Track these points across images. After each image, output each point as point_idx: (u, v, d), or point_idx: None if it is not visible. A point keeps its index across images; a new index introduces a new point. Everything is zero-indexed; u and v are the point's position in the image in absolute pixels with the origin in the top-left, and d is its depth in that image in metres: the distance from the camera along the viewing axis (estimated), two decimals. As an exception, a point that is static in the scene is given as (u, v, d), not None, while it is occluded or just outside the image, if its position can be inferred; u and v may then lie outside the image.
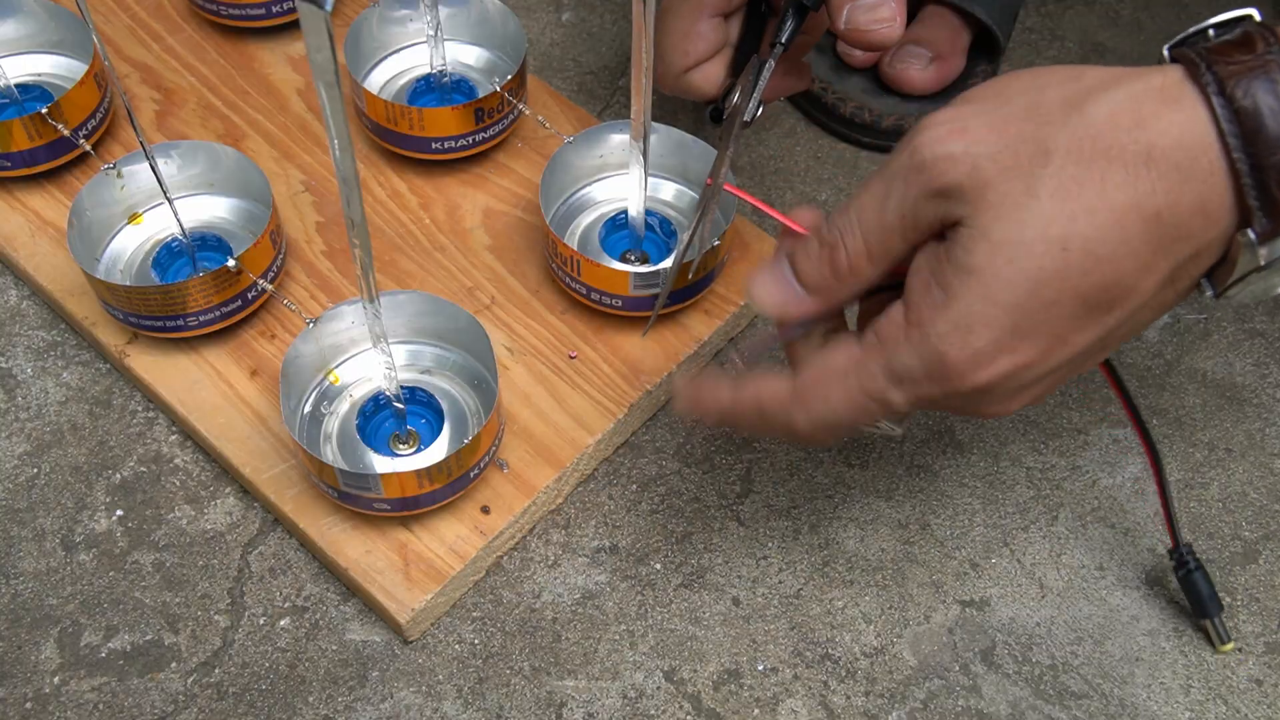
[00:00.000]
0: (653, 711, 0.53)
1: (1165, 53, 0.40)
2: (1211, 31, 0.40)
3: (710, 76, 0.56)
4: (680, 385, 0.49)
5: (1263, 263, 0.39)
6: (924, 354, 0.41)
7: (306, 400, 0.58)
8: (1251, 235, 0.39)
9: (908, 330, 0.42)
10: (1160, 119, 0.38)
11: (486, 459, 0.55)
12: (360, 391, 0.59)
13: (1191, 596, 0.55)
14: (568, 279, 0.61)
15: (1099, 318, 0.40)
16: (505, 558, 0.57)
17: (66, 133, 0.63)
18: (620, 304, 0.60)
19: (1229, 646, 0.55)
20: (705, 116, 0.72)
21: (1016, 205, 0.39)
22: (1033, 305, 0.40)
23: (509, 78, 0.64)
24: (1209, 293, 0.42)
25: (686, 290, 0.60)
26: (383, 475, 0.52)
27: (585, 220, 0.64)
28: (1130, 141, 0.38)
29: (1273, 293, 0.42)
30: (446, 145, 0.65)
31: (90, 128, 0.65)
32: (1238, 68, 0.38)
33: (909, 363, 0.42)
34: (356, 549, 0.55)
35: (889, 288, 0.45)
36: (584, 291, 0.60)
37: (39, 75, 0.68)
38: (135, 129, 0.55)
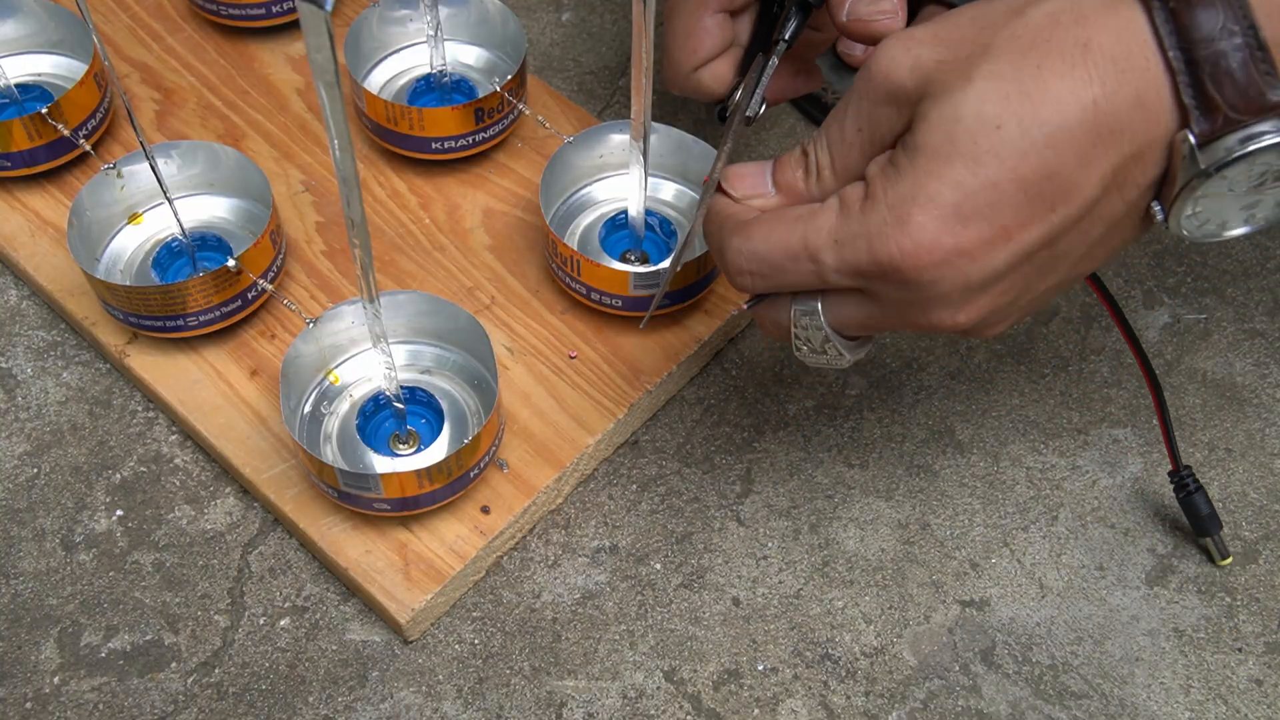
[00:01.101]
0: (653, 711, 0.53)
1: None
2: None
3: (718, 75, 0.56)
4: (734, 170, 0.48)
5: (1202, 166, 0.39)
6: (871, 222, 0.42)
7: (306, 400, 0.58)
8: (1190, 137, 0.39)
9: (863, 201, 0.42)
10: (1099, 18, 0.40)
11: (486, 459, 0.55)
12: (360, 391, 0.59)
13: (1192, 516, 0.57)
14: (568, 279, 0.61)
15: (1043, 214, 0.40)
16: (505, 558, 0.57)
17: (66, 133, 0.63)
18: (620, 304, 0.60)
19: (1227, 561, 0.57)
20: (712, 116, 0.72)
21: (951, 87, 0.40)
22: (972, 184, 0.40)
23: (509, 78, 0.64)
24: (1159, 216, 0.42)
25: (686, 290, 0.60)
26: (383, 475, 0.52)
27: (585, 220, 0.64)
28: (1068, 36, 0.39)
29: (1225, 229, 0.42)
30: (446, 145, 0.65)
31: (90, 128, 0.65)
32: None
33: (855, 229, 0.42)
34: (356, 549, 0.55)
35: None
36: (584, 291, 0.60)
37: (39, 75, 0.68)
38: (135, 129, 0.55)
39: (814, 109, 0.72)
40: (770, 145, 0.72)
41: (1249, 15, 0.38)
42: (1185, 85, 0.39)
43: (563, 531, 0.58)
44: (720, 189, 0.48)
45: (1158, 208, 0.42)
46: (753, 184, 0.48)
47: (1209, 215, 0.42)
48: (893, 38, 0.43)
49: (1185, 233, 0.42)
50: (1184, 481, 0.57)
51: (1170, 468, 0.57)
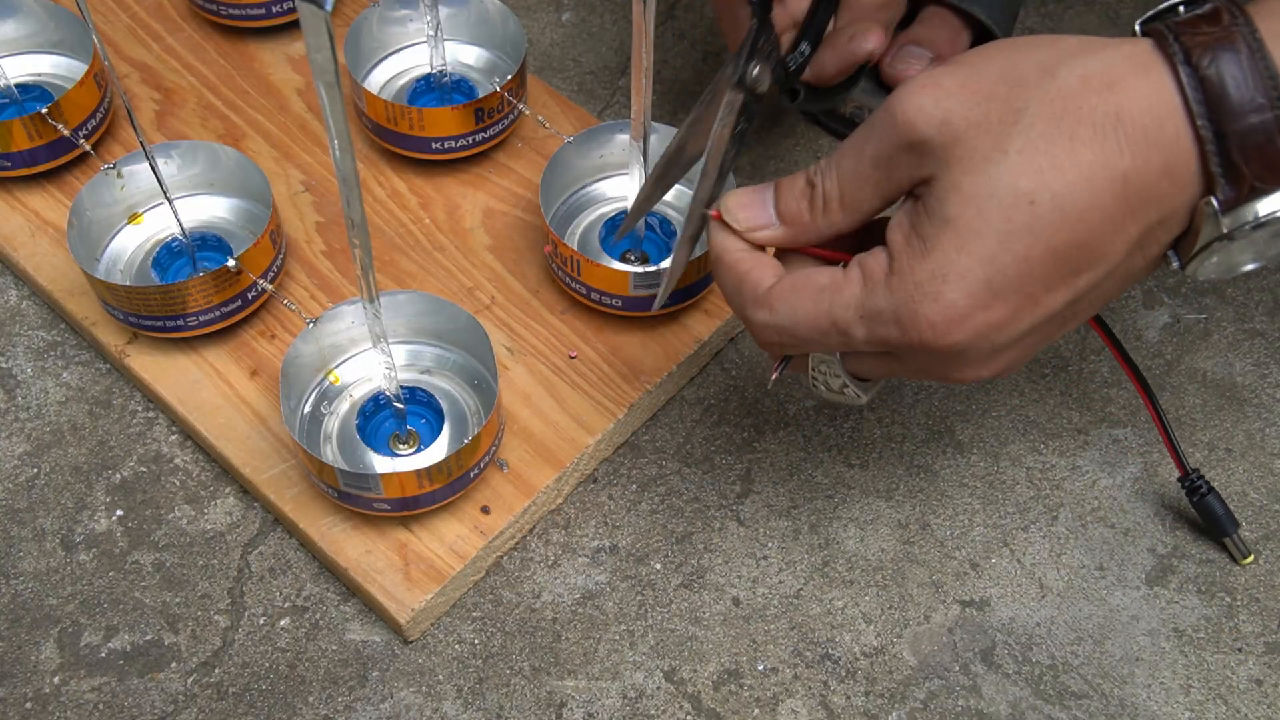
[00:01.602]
0: (653, 711, 0.53)
1: (1137, 28, 0.42)
2: (1181, 8, 0.41)
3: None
4: (735, 199, 0.47)
5: (1225, 230, 0.40)
6: (900, 301, 0.42)
7: (306, 400, 0.58)
8: (1215, 203, 0.40)
9: (889, 276, 0.42)
10: (1130, 85, 0.40)
11: (486, 459, 0.55)
12: (360, 391, 0.59)
13: (1208, 518, 0.57)
14: (568, 279, 0.61)
15: (1070, 279, 0.41)
16: (505, 558, 0.57)
17: (66, 133, 0.63)
18: (620, 304, 0.60)
19: (1249, 560, 0.57)
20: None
21: (985, 159, 0.40)
22: (1005, 259, 0.40)
23: (509, 78, 0.64)
24: (1175, 264, 0.42)
25: (686, 290, 0.60)
26: (383, 475, 0.52)
27: (585, 220, 0.64)
28: (1100, 103, 0.40)
29: (1236, 270, 0.43)
30: (446, 145, 0.65)
31: (90, 128, 0.65)
32: (1204, 38, 0.39)
33: (882, 305, 0.42)
34: (356, 549, 0.55)
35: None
36: (584, 291, 0.60)
37: (39, 75, 0.69)
38: (135, 129, 0.55)
39: (820, 112, 0.72)
40: (770, 145, 0.72)
41: (1278, 88, 0.39)
42: (1213, 155, 0.39)
43: (563, 531, 0.58)
44: (718, 218, 0.47)
45: (1176, 261, 0.43)
46: (755, 214, 0.47)
47: (1225, 264, 0.42)
48: (919, 83, 0.42)
49: (1199, 277, 0.43)
50: (1196, 485, 0.57)
51: (1179, 474, 0.57)
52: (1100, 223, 0.40)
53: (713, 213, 0.48)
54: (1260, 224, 0.40)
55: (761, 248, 0.47)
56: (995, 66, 0.41)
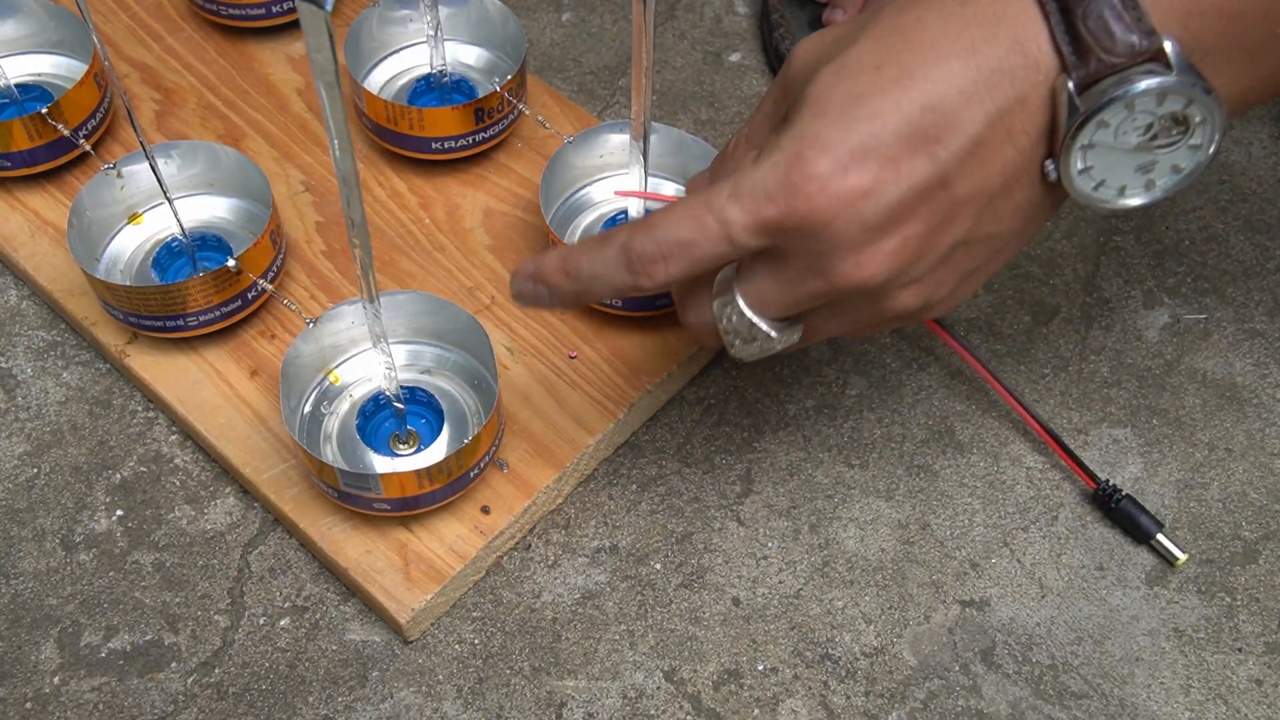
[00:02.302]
0: (653, 711, 0.53)
1: None
2: None
3: None
4: (518, 267, 0.49)
5: (1081, 109, 0.40)
6: (765, 168, 0.42)
7: (306, 400, 0.58)
8: (1070, 84, 0.40)
9: (757, 157, 0.43)
10: None
11: (486, 459, 0.55)
12: (360, 391, 0.59)
13: (1129, 525, 0.57)
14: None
15: (928, 146, 0.41)
16: (505, 558, 0.57)
17: (66, 133, 0.63)
18: (620, 304, 0.60)
19: (1183, 559, 0.57)
20: (713, 116, 0.72)
21: (843, 49, 0.43)
22: (855, 119, 0.41)
23: (509, 78, 0.64)
24: (1051, 173, 0.43)
25: (686, 290, 0.60)
26: (383, 475, 0.52)
27: (585, 220, 0.64)
28: None
29: (1125, 194, 0.43)
30: (446, 145, 0.65)
31: (90, 128, 0.65)
32: None
33: (752, 178, 0.42)
34: (356, 549, 0.55)
35: None
36: (584, 291, 0.60)
37: (39, 75, 0.69)
38: (135, 129, 0.55)
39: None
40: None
41: None
42: (1060, 30, 0.40)
43: (563, 531, 0.58)
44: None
45: (1050, 164, 0.43)
46: (695, 178, 0.53)
47: (1103, 174, 0.42)
48: (818, 31, 0.46)
49: (1082, 192, 0.43)
50: (1109, 493, 0.58)
51: (1091, 487, 0.58)
52: (949, 87, 0.41)
53: None
54: (1112, 99, 0.40)
55: None
56: (877, 5, 0.44)
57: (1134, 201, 0.43)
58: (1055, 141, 0.42)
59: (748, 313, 0.46)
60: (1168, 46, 0.40)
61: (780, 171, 0.42)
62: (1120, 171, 0.43)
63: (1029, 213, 0.44)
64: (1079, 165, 0.42)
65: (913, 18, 0.42)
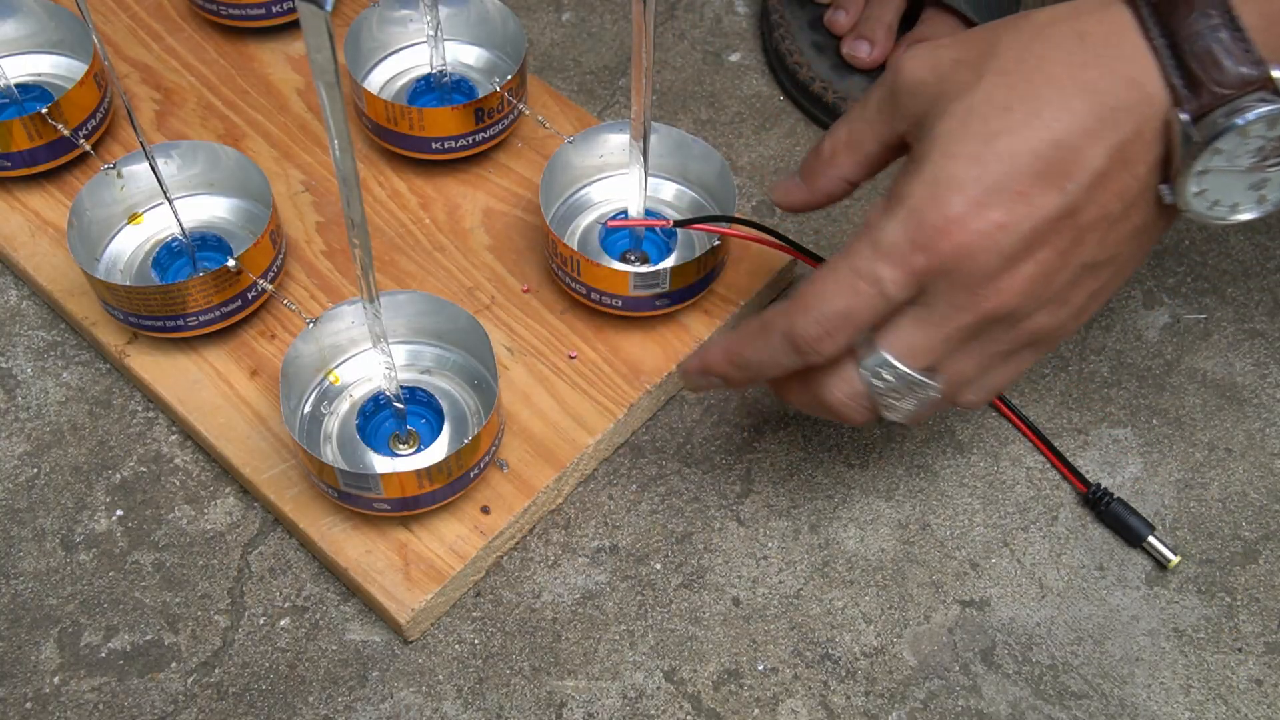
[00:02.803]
0: (653, 711, 0.53)
1: None
2: None
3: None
4: (684, 360, 0.53)
5: (1195, 139, 0.43)
6: (903, 218, 0.45)
7: (306, 400, 0.58)
8: (1183, 116, 0.43)
9: (887, 206, 0.45)
10: (1091, 14, 0.44)
11: (486, 459, 0.55)
12: (360, 391, 0.59)
13: (1120, 527, 0.58)
14: (568, 279, 0.61)
15: (1058, 181, 0.44)
16: (505, 558, 0.57)
17: (66, 133, 0.63)
18: (620, 304, 0.60)
19: (1176, 560, 0.57)
20: (713, 116, 0.72)
21: (964, 85, 0.45)
22: (989, 158, 0.44)
23: (509, 78, 0.64)
24: (1167, 197, 0.45)
25: (686, 290, 0.60)
26: (383, 475, 0.52)
27: (585, 220, 0.64)
28: (1065, 29, 0.44)
29: (1238, 210, 0.45)
30: (446, 145, 0.65)
31: (90, 128, 0.65)
32: None
33: (892, 232, 0.45)
34: (356, 549, 0.55)
35: None
36: (584, 291, 0.60)
37: (39, 75, 0.69)
38: (135, 129, 0.55)
39: (815, 108, 0.72)
40: (770, 145, 0.72)
41: (1227, 6, 0.42)
42: (1171, 67, 0.43)
43: (563, 531, 0.58)
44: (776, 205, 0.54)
45: (1165, 189, 0.45)
46: (783, 184, 0.54)
47: (1217, 195, 0.45)
48: (919, 44, 0.48)
49: (1197, 212, 0.45)
50: (1100, 496, 0.58)
51: (1081, 490, 0.59)
52: (1074, 126, 0.43)
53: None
54: (1225, 129, 0.42)
55: None
56: (981, 28, 0.47)
57: (1246, 216, 0.46)
58: (1170, 168, 0.44)
59: (901, 366, 0.47)
60: (1276, 75, 0.42)
61: (920, 219, 0.44)
62: (1233, 191, 0.45)
63: (1146, 233, 0.47)
64: (1194, 189, 0.44)
65: (1035, 57, 0.44)
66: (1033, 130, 0.43)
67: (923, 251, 0.44)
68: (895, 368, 0.47)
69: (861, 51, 0.71)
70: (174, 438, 0.60)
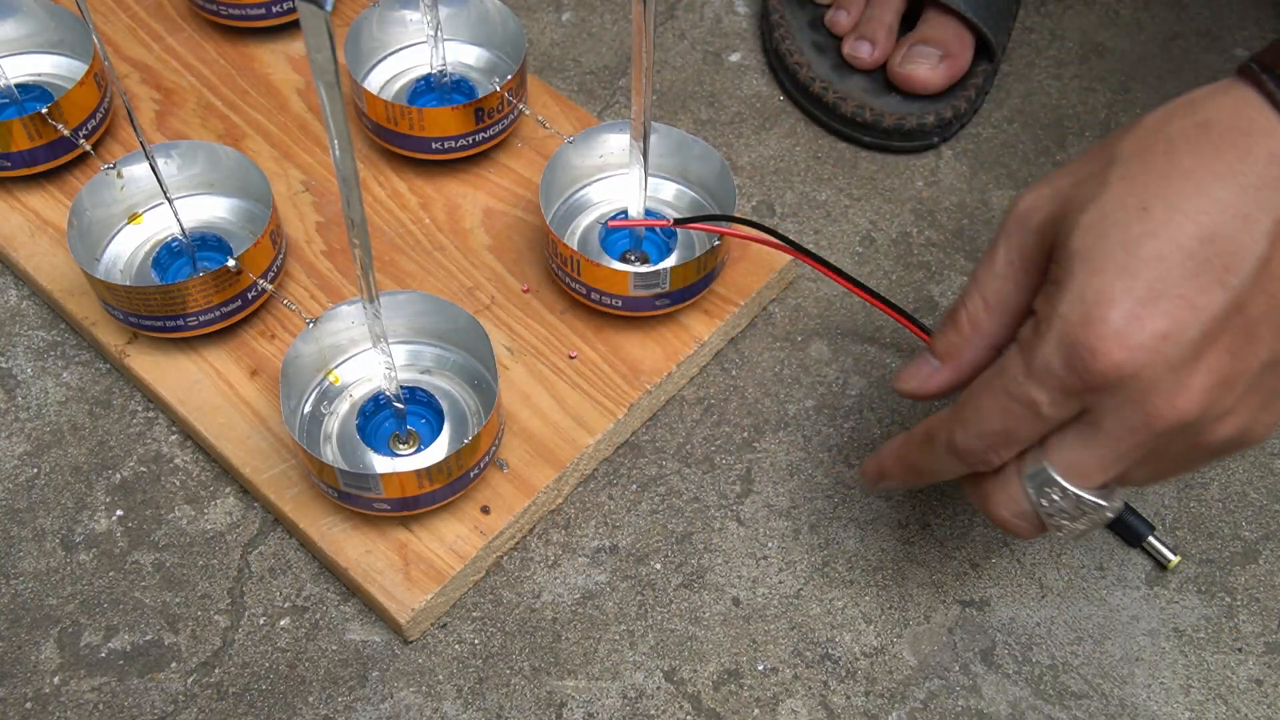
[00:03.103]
0: (653, 711, 0.53)
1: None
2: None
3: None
4: (862, 464, 0.52)
5: None
6: (1054, 341, 0.42)
7: (306, 400, 0.58)
8: None
9: (1037, 328, 0.43)
10: (1211, 101, 0.42)
11: (486, 459, 0.55)
12: (360, 391, 0.59)
13: (1120, 527, 0.57)
14: (568, 279, 0.61)
15: (1218, 276, 0.41)
16: (505, 558, 0.57)
17: (66, 133, 0.63)
18: (620, 304, 0.60)
19: (1176, 560, 0.56)
20: (715, 117, 0.72)
21: (1092, 197, 0.42)
22: (1138, 266, 0.41)
23: (509, 78, 0.64)
24: None
25: (686, 290, 0.60)
26: (383, 475, 0.52)
27: (585, 220, 0.64)
28: (1186, 122, 0.42)
29: None
30: (446, 145, 0.65)
31: (90, 128, 0.65)
32: (1277, 51, 0.42)
33: (1045, 355, 0.42)
34: (356, 549, 0.55)
35: None
36: (584, 291, 0.60)
37: (39, 75, 0.69)
38: (135, 129, 0.55)
39: (815, 108, 0.72)
40: (770, 145, 0.72)
41: None
42: None
43: (563, 531, 0.58)
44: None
45: None
46: (918, 372, 0.50)
47: None
48: (1031, 186, 0.46)
49: None
50: None
51: None
52: (1223, 213, 0.41)
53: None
54: None
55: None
56: (1094, 148, 0.45)
57: None
58: None
59: (1070, 488, 0.45)
60: None
61: (1073, 340, 0.41)
62: None
63: None
64: None
65: (1160, 155, 0.42)
66: (1178, 227, 0.41)
67: (1079, 375, 0.41)
68: (1065, 490, 0.44)
69: (863, 52, 0.71)
70: (174, 438, 0.60)
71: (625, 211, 0.63)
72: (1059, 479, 0.44)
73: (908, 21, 0.72)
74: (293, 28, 0.72)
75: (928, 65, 0.69)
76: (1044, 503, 0.45)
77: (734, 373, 0.63)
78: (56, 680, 0.54)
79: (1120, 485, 0.46)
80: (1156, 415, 0.42)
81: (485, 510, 0.56)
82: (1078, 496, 0.44)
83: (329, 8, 0.35)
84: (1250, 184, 0.41)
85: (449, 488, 0.54)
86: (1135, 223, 0.41)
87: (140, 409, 0.61)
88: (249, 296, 0.60)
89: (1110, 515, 0.46)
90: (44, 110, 0.62)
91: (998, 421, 0.44)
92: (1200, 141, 0.41)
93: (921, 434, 0.48)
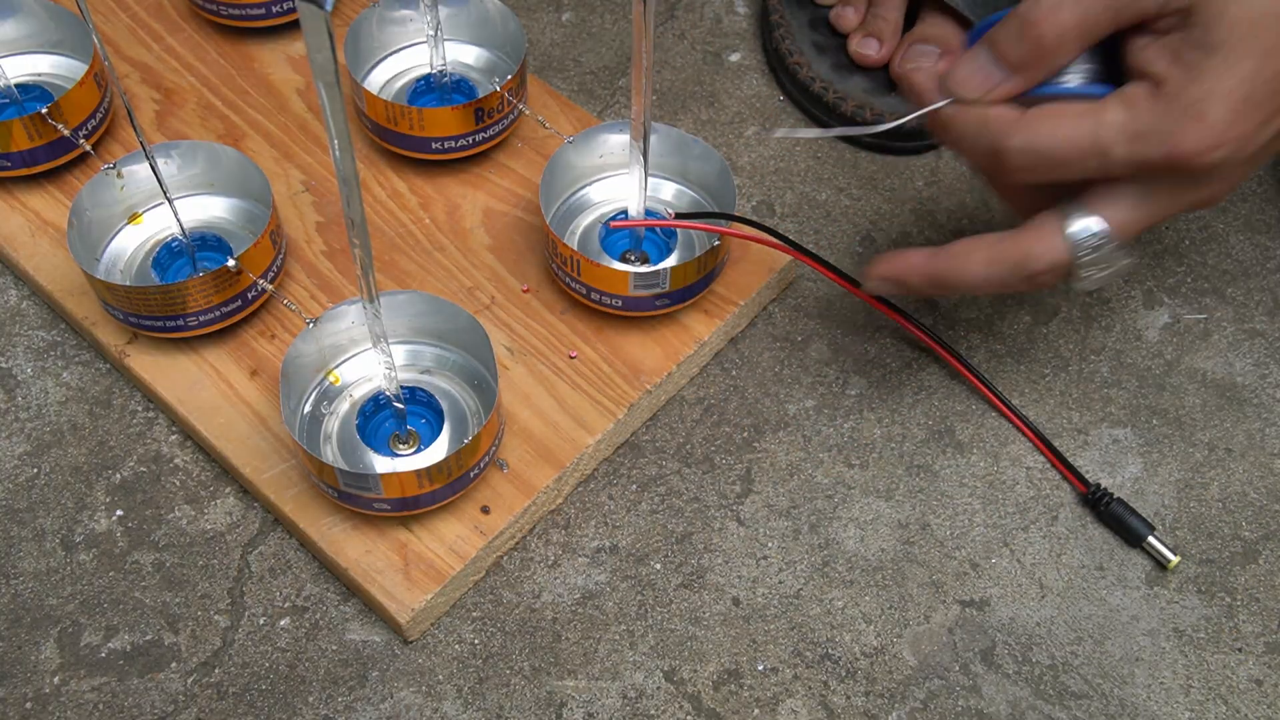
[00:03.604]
0: (653, 711, 0.53)
1: None
2: None
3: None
4: (956, 72, 0.49)
5: None
6: (1170, 120, 0.45)
7: (306, 400, 0.58)
8: None
9: (1155, 99, 0.45)
10: None
11: (486, 459, 0.55)
12: (360, 391, 0.59)
13: (1120, 527, 0.58)
14: (568, 279, 0.61)
15: None
16: (505, 558, 0.57)
17: (66, 133, 0.63)
18: (620, 304, 0.60)
19: (1176, 560, 0.57)
20: (714, 118, 0.72)
21: None
22: (1264, 75, 0.44)
23: (509, 78, 0.64)
24: None
25: (686, 290, 0.60)
26: (383, 475, 0.52)
27: (585, 220, 0.64)
28: None
29: None
30: (446, 145, 0.65)
31: (90, 128, 0.65)
32: None
33: (1150, 124, 0.45)
34: (356, 549, 0.55)
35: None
36: (584, 291, 0.60)
37: (39, 75, 0.69)
38: (135, 129, 0.55)
39: (815, 107, 0.72)
40: (770, 145, 0.72)
41: None
42: None
43: (563, 531, 0.58)
44: (949, 100, 0.49)
45: None
46: (983, 78, 0.48)
47: None
48: None
49: None
50: (1100, 496, 0.58)
51: (1081, 490, 0.59)
52: None
53: (942, 101, 0.49)
54: None
55: None
56: None
57: None
58: None
59: (1113, 241, 0.48)
60: None
61: (1185, 122, 0.44)
62: None
63: None
64: None
65: None
66: None
67: (1170, 158, 0.45)
68: (1110, 241, 0.47)
69: (870, 49, 0.70)
70: (174, 438, 0.60)
71: (625, 212, 0.63)
72: (1109, 234, 0.47)
73: (909, 21, 0.72)
74: (293, 28, 0.72)
75: (929, 64, 0.69)
76: (1082, 255, 0.48)
77: (734, 373, 0.63)
78: (56, 680, 0.54)
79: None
80: (1208, 194, 0.47)
81: (485, 510, 0.56)
82: (1115, 248, 0.48)
83: (329, 8, 0.35)
84: None
85: (449, 488, 0.54)
86: (1273, 34, 0.44)
87: (140, 409, 0.61)
88: (249, 296, 0.60)
89: (1131, 266, 0.49)
90: (44, 110, 0.62)
91: (1063, 150, 0.46)
92: None
93: (977, 119, 0.48)
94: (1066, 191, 0.50)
